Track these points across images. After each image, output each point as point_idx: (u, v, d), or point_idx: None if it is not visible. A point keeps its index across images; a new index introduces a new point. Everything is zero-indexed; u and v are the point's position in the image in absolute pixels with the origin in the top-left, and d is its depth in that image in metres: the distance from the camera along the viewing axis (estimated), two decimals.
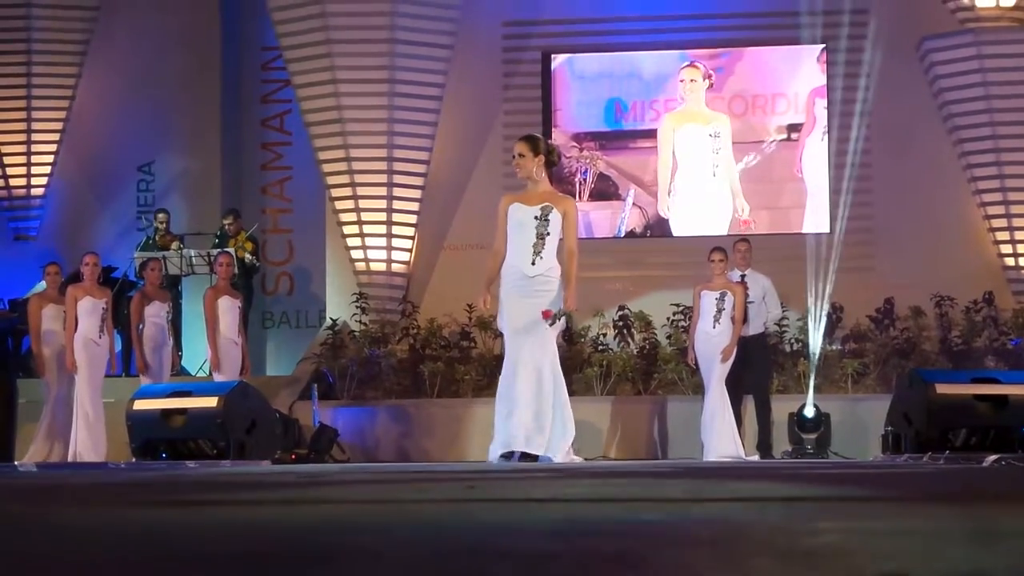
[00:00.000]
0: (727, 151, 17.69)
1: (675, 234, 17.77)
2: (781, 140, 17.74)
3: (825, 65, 17.65)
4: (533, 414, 9.81)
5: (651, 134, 17.99)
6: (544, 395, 9.86)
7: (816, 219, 17.54)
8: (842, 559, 2.28)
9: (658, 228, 17.94)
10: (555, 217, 9.99)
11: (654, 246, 17.82)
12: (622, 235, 17.98)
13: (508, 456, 9.84)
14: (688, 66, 17.81)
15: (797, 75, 17.82)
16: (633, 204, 17.96)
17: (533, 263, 9.97)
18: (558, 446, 9.93)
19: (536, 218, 9.98)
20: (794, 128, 17.77)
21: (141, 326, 13.88)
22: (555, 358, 10.09)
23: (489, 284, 10.15)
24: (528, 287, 9.96)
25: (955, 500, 4.20)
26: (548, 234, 9.99)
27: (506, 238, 10.11)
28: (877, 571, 2.12)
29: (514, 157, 10.22)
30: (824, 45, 17.52)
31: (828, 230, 17.08)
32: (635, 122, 18.08)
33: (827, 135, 17.56)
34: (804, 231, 17.31)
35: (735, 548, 2.45)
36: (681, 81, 17.84)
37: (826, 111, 17.60)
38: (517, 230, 10.05)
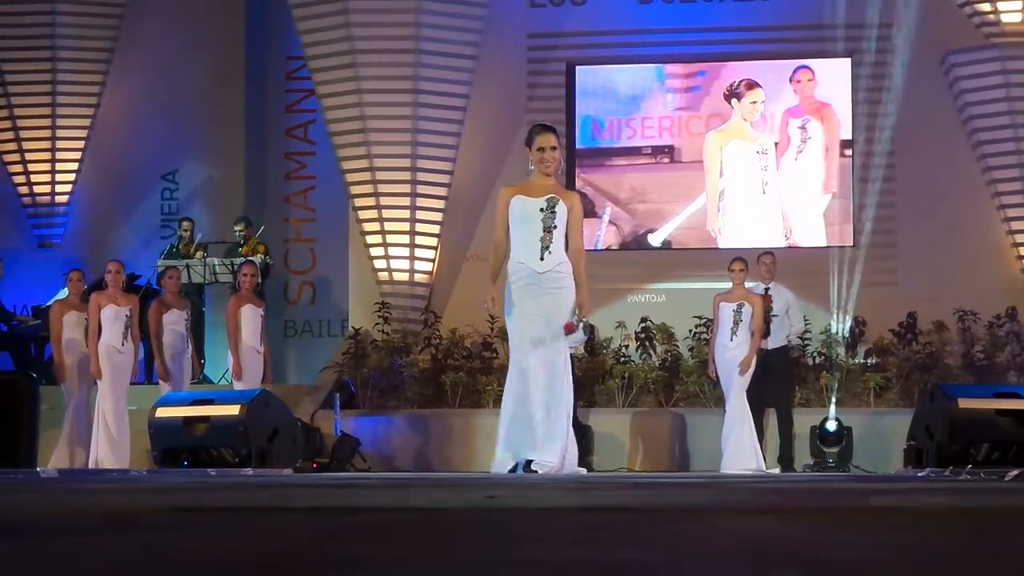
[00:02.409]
0: (774, 169, 17.57)
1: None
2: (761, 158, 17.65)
3: (798, 85, 17.60)
4: (543, 423, 9.19)
5: (627, 152, 17.92)
6: (556, 401, 9.25)
7: (795, 236, 17.41)
8: (865, 571, 2.28)
9: (634, 244, 17.87)
10: (562, 209, 9.31)
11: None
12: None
13: (514, 470, 9.21)
14: (755, 86, 17.61)
15: (772, 95, 17.68)
16: (609, 222, 17.90)
17: (542, 258, 9.28)
18: (575, 454, 9.45)
19: (542, 210, 9.29)
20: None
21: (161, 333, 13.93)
22: (568, 362, 9.59)
23: (494, 278, 9.51)
24: (539, 285, 9.30)
25: (976, 515, 4.19)
26: (555, 227, 9.29)
27: (507, 233, 9.43)
28: None
29: (542, 150, 9.45)
30: (799, 64, 17.49)
31: (852, 244, 17.04)
32: (611, 140, 18.02)
33: (800, 154, 17.49)
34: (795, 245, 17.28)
35: (759, 559, 2.46)
36: (738, 101, 17.62)
37: (799, 131, 17.52)
38: (522, 225, 9.37)
